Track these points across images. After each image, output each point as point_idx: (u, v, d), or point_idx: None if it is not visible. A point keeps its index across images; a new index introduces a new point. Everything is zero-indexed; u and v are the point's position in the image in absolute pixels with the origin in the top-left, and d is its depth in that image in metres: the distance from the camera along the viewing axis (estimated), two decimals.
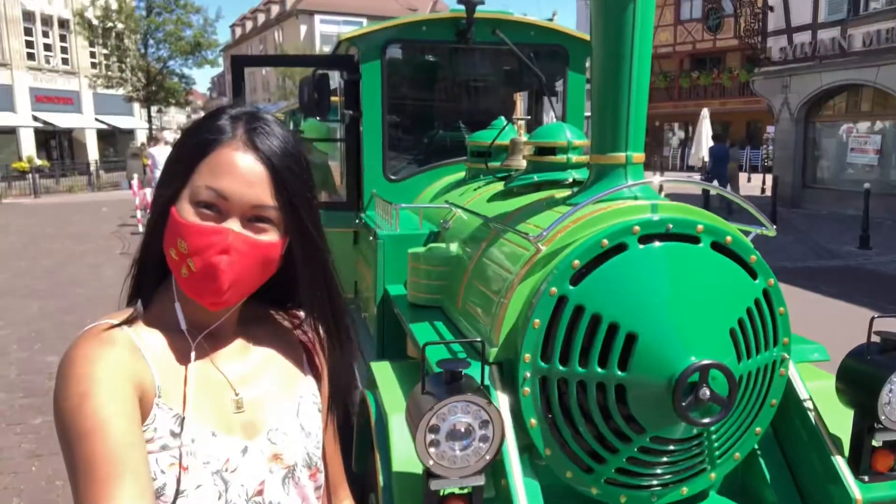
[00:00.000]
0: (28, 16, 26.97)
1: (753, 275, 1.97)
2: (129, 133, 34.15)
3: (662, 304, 1.83)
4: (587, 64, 3.92)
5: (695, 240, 1.93)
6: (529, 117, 3.50)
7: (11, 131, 26.63)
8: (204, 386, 0.97)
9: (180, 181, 0.94)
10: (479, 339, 1.70)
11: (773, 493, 2.08)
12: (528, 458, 1.90)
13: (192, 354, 0.97)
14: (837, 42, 14.54)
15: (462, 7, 3.56)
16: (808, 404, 2.07)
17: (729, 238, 1.95)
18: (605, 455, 1.91)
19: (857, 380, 1.98)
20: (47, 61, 28.50)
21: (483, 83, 4.21)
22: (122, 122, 33.74)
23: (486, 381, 1.77)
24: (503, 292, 2.02)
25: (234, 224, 0.92)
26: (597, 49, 2.08)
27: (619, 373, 1.81)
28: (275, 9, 55.00)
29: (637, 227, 1.88)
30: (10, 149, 26.23)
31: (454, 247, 2.64)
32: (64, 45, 29.41)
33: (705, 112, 18.83)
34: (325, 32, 50.78)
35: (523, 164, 3.01)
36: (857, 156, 15.11)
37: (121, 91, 27.61)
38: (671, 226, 1.91)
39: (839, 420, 2.07)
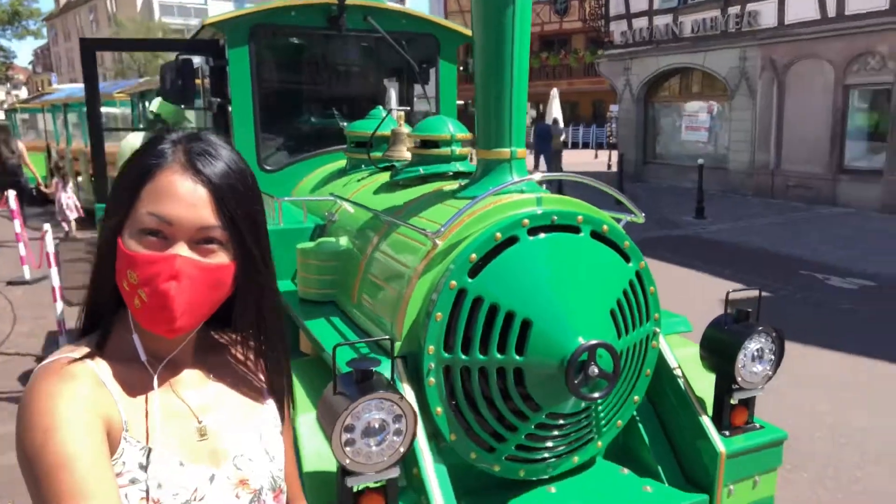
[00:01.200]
0: None
1: (627, 259, 2.16)
2: None
3: (552, 291, 1.96)
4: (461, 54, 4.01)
5: (576, 230, 2.08)
6: (409, 108, 3.54)
7: None
8: (167, 416, 0.96)
9: (124, 210, 0.92)
10: (387, 338, 1.74)
11: (651, 453, 2.31)
12: (435, 444, 1.98)
13: (155, 384, 0.96)
14: (671, 28, 15.80)
15: None
16: (678, 372, 2.32)
17: (605, 227, 2.12)
18: (505, 434, 2.03)
19: (717, 348, 2.24)
20: None
21: (355, 70, 4.19)
22: None
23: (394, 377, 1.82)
24: (403, 287, 2.07)
25: (181, 248, 0.91)
26: (479, 51, 2.16)
27: (517, 357, 1.92)
28: None
29: (526, 220, 2.00)
30: None
31: (344, 240, 2.64)
32: None
33: (555, 92, 19.82)
34: (165, 2, 47.50)
35: (406, 155, 3.05)
36: (690, 133, 16.60)
37: None
38: (555, 218, 2.05)
39: (703, 384, 2.34)
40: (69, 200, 9.76)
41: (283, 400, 1.14)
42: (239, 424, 1.04)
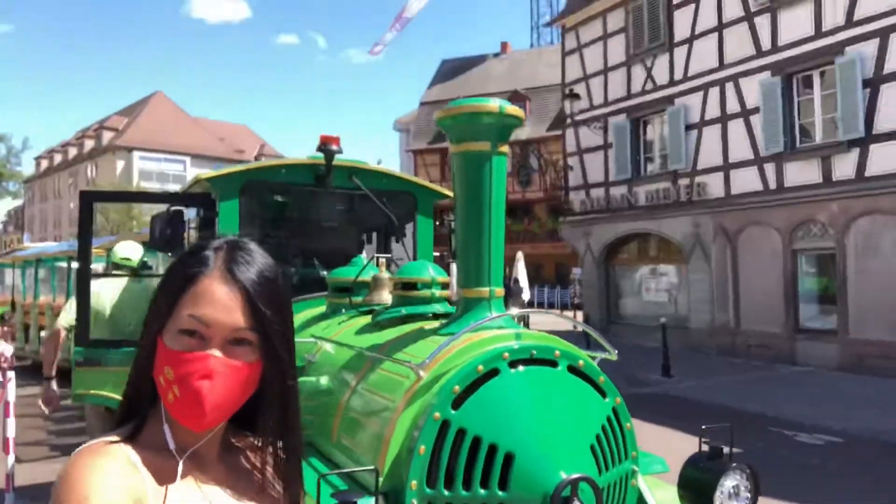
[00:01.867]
0: None
1: (603, 394, 2.24)
2: None
3: (533, 423, 2.01)
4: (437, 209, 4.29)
5: (553, 364, 2.17)
6: (390, 255, 3.72)
7: None
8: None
9: (166, 313, 1.01)
10: (372, 468, 1.75)
11: None
12: None
13: (179, 470, 1.01)
14: (626, 197, 16.91)
15: (321, 155, 3.81)
16: None
17: (581, 362, 2.22)
18: None
19: (695, 486, 2.27)
20: None
21: (338, 223, 4.42)
22: None
23: None
24: (386, 422, 2.10)
25: (215, 350, 0.98)
26: (460, 199, 2.37)
27: (500, 493, 1.92)
28: (89, 143, 52.66)
29: (506, 354, 2.09)
30: None
31: (324, 380, 2.67)
32: None
33: (520, 255, 20.61)
34: (145, 169, 49.32)
35: (387, 298, 3.17)
36: (650, 294, 17.20)
37: None
38: (534, 352, 2.14)
39: None
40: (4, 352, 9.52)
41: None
42: None
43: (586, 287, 18.78)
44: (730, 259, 14.51)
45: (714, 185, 14.85)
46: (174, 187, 50.44)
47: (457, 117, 2.33)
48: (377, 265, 3.36)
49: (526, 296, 19.58)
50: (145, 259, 5.02)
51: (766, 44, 13.67)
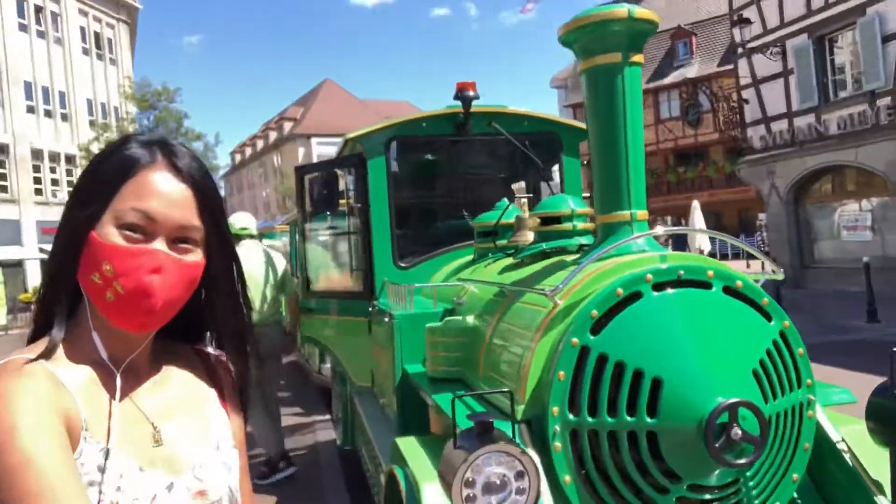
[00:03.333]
0: (36, 154, 28.09)
1: (768, 317, 2.01)
2: None
3: (683, 348, 1.85)
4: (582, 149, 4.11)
5: (706, 285, 1.98)
6: (531, 195, 3.64)
7: (18, 264, 27.08)
8: (124, 419, 0.94)
9: (99, 205, 0.93)
10: (507, 391, 1.72)
11: None
12: None
13: (118, 383, 0.94)
14: (814, 127, 15.15)
15: (458, 103, 3.78)
16: (843, 446, 2.05)
17: (739, 283, 2.01)
18: None
19: (889, 416, 1.97)
20: (54, 195, 29.40)
21: (482, 172, 4.40)
22: None
23: (517, 440, 1.76)
24: (525, 349, 2.05)
25: (161, 244, 0.93)
26: (593, 119, 2.23)
27: (649, 420, 1.80)
28: (272, 135, 57.43)
29: (650, 276, 1.94)
30: (16, 280, 26.54)
31: (470, 318, 2.68)
32: (70, 179, 30.49)
33: (696, 204, 19.28)
34: (322, 153, 52.91)
35: (531, 237, 3.10)
36: (850, 234, 15.35)
37: None
38: (682, 272, 1.97)
39: (875, 461, 2.04)
40: None
41: (240, 415, 1.13)
42: (196, 434, 1.01)
43: (772, 231, 17.21)
44: None
45: None
46: None
47: (582, 29, 2.18)
48: (519, 206, 3.29)
49: (707, 247, 18.35)
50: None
51: None
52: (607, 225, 2.23)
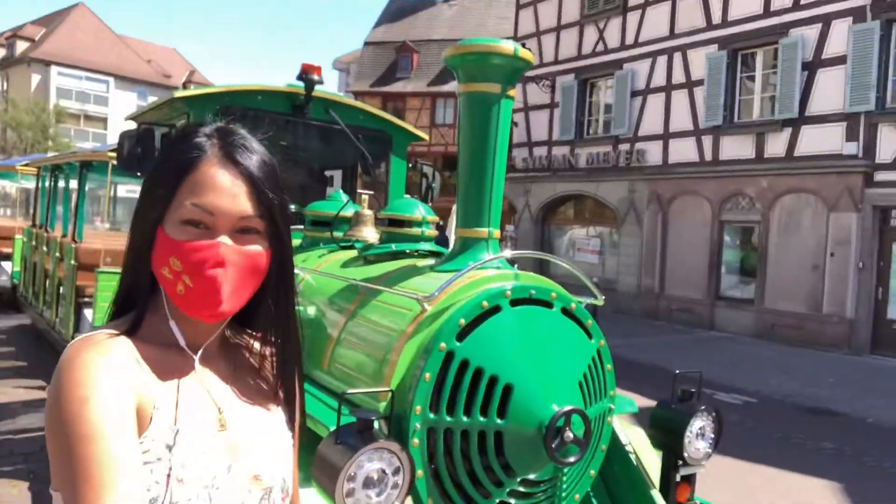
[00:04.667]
0: None
1: (590, 336, 2.36)
2: None
3: (530, 359, 2.10)
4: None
5: (549, 304, 2.26)
6: (373, 192, 3.71)
7: None
8: (194, 402, 0.98)
9: (163, 202, 0.96)
10: (388, 390, 1.80)
11: None
12: None
13: (197, 366, 1.00)
14: (567, 158, 17.22)
15: (300, 84, 3.71)
16: (629, 448, 2.47)
17: (573, 305, 2.32)
18: (479, 501, 2.07)
19: (666, 426, 2.44)
20: None
21: (310, 158, 4.35)
22: None
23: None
24: (390, 349, 2.14)
25: (223, 238, 0.95)
26: (466, 140, 2.39)
27: (499, 421, 2.02)
28: (0, 52, 48.77)
29: (509, 292, 2.16)
30: None
31: (312, 310, 2.68)
32: None
33: (454, 208, 20.72)
34: (63, 86, 46.25)
35: (367, 235, 3.18)
36: (581, 254, 17.74)
37: None
38: (533, 292, 2.23)
39: (647, 460, 2.51)
40: None
41: (292, 406, 1.14)
42: (255, 423, 1.05)
43: (520, 243, 19.15)
44: (661, 225, 15.10)
45: (653, 153, 15.31)
46: (96, 108, 47.71)
47: (467, 56, 2.33)
48: (358, 202, 3.35)
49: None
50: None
51: (716, 17, 14.02)
52: (466, 239, 2.41)
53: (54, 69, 45.87)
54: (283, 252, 1.04)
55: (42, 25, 49.68)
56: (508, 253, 2.47)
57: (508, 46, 2.31)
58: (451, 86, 33.75)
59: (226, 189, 0.95)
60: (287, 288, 1.07)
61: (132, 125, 3.72)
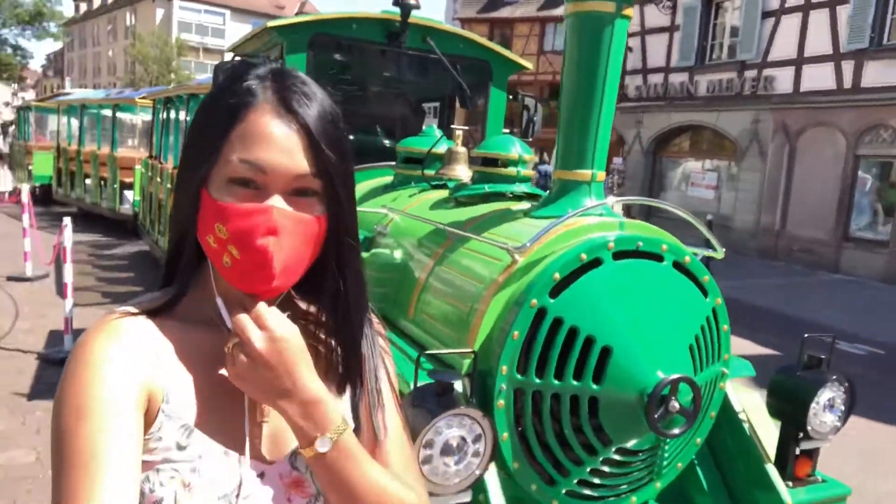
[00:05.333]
0: None
1: (705, 293, 2.09)
2: None
3: (634, 319, 1.88)
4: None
5: (659, 258, 2.01)
6: (468, 127, 3.50)
7: None
8: (225, 392, 0.84)
9: (208, 158, 0.81)
10: (471, 351, 1.66)
11: (708, 498, 2.20)
12: (496, 472, 1.87)
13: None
14: (686, 86, 16.03)
15: (396, 10, 3.50)
16: (742, 416, 2.22)
17: (687, 258, 2.05)
18: (569, 467, 1.92)
19: (788, 395, 2.16)
20: None
21: (404, 90, 4.17)
22: None
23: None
24: (476, 302, 1.99)
25: (276, 200, 0.80)
26: (571, 67, 2.12)
27: (594, 386, 1.83)
28: None
29: (612, 244, 1.93)
30: None
31: (398, 253, 2.56)
32: None
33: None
34: (184, 20, 48.01)
35: (461, 174, 3.00)
36: (695, 189, 16.72)
37: None
38: (641, 244, 1.98)
39: (762, 431, 2.25)
40: None
41: (357, 390, 0.97)
42: None
43: (629, 177, 18.30)
44: (786, 159, 13.89)
45: (782, 80, 13.95)
46: (214, 41, 49.37)
47: None
48: (453, 138, 3.15)
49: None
50: None
51: None
52: (566, 181, 2.18)
53: (176, 3, 47.64)
54: (342, 216, 0.87)
55: None
56: (613, 199, 2.21)
57: None
58: (563, 9, 31.94)
59: (280, 142, 0.80)
60: (350, 259, 0.91)
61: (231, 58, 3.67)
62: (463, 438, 1.58)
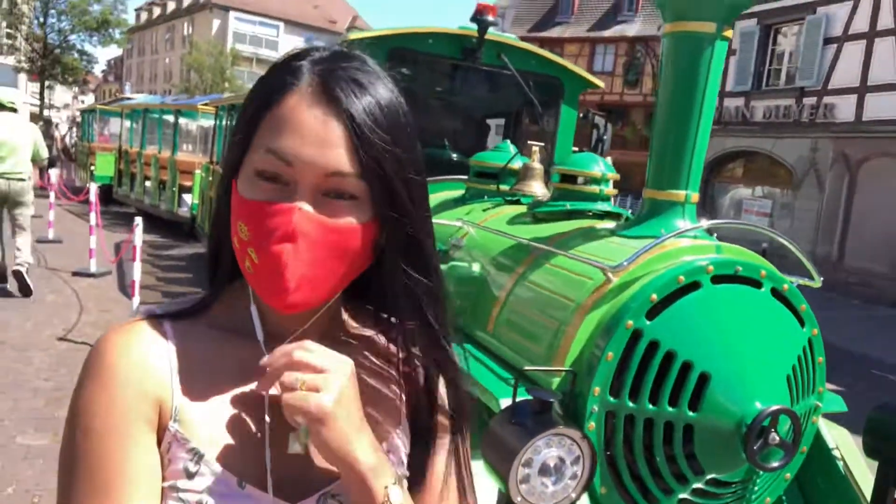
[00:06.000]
0: None
1: (802, 323, 2.02)
2: None
3: (732, 346, 1.82)
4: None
5: (758, 284, 1.94)
6: (543, 144, 3.48)
7: None
8: (251, 414, 0.72)
9: (240, 147, 0.72)
10: (570, 370, 1.62)
11: None
12: (586, 496, 1.82)
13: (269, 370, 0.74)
14: (741, 111, 15.76)
15: (472, 26, 3.51)
16: (836, 453, 2.13)
17: (786, 286, 1.99)
18: (658, 496, 1.86)
19: (886, 433, 2.06)
20: None
21: (477, 105, 4.17)
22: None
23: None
24: (566, 320, 1.95)
25: (303, 201, 0.68)
26: (668, 86, 2.09)
27: (690, 413, 1.77)
28: None
29: (711, 267, 1.88)
30: None
31: (476, 266, 2.54)
32: None
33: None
34: (239, 31, 49.39)
35: (536, 189, 2.98)
36: (748, 216, 16.37)
37: (10, 60, 25.39)
38: (740, 268, 1.92)
39: (857, 470, 2.15)
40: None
41: (427, 442, 0.83)
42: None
43: None
44: (846, 189, 13.53)
45: (844, 108, 13.62)
46: (266, 52, 50.54)
47: None
48: (528, 154, 3.13)
49: None
50: None
51: None
52: (658, 201, 2.13)
53: (232, 14, 49.04)
54: (400, 229, 0.74)
55: None
56: (707, 223, 2.15)
57: None
58: (613, 31, 32.05)
59: (312, 132, 0.67)
60: (415, 276, 0.77)
61: None
62: (561, 459, 1.53)
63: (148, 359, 0.70)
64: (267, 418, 0.72)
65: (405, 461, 0.81)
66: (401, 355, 0.81)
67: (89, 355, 0.71)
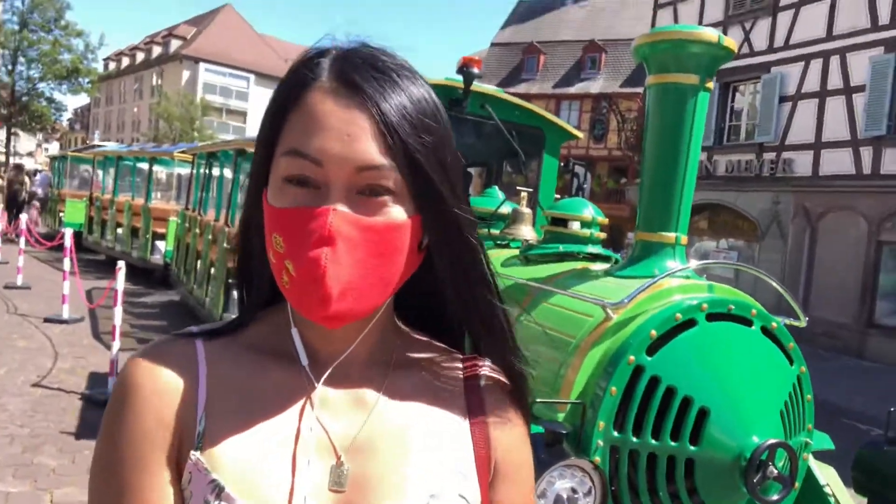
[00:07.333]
0: None
1: (791, 361, 2.09)
2: None
3: (729, 382, 1.88)
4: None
5: (749, 322, 2.02)
6: (531, 190, 3.58)
7: None
8: (282, 445, 0.67)
9: (264, 154, 0.67)
10: (579, 402, 1.66)
11: None
12: None
13: (317, 392, 0.69)
14: (704, 165, 16.29)
15: (458, 78, 3.63)
16: (828, 490, 2.18)
17: (774, 324, 2.07)
18: None
19: (875, 469, 2.13)
20: None
21: (462, 153, 4.27)
22: None
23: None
24: (568, 357, 1.99)
25: (336, 200, 0.63)
26: (655, 135, 2.20)
27: (691, 447, 1.82)
28: (157, 50, 53.15)
29: (705, 305, 1.95)
30: None
31: None
32: None
33: None
34: (209, 82, 49.69)
35: (526, 233, 3.05)
36: (713, 268, 16.76)
37: None
38: (732, 307, 2.00)
39: None
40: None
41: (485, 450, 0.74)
42: (401, 484, 0.67)
43: None
44: (807, 242, 13.95)
45: (801, 163, 14.17)
46: (237, 103, 50.86)
47: (661, 44, 2.15)
48: (517, 199, 3.22)
49: None
50: None
51: (884, 17, 12.74)
52: (648, 243, 2.22)
53: (202, 66, 49.41)
54: (443, 222, 0.68)
55: (194, 25, 53.72)
56: (696, 263, 2.25)
57: (712, 34, 2.11)
58: (576, 88, 33.10)
59: (336, 126, 0.62)
60: (465, 274, 0.72)
61: None
62: (573, 490, 1.56)
63: (172, 383, 0.66)
64: (339, 451, 0.67)
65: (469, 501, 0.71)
66: (465, 374, 0.76)
67: (118, 375, 0.69)
